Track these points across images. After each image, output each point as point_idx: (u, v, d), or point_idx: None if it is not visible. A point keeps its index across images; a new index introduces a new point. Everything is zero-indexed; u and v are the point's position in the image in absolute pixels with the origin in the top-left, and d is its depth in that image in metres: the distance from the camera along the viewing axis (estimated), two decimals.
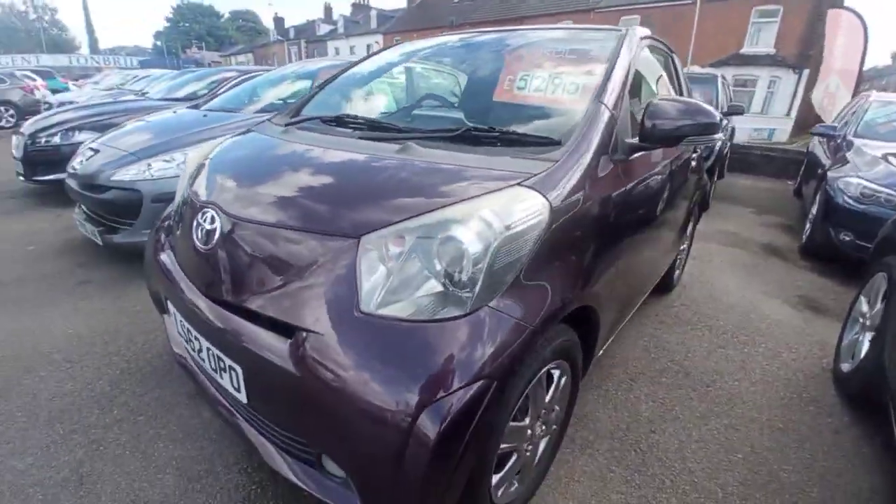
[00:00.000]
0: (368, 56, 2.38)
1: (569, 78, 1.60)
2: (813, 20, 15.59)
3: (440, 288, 0.95)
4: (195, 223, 1.30)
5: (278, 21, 49.72)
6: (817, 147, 5.18)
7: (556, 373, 1.28)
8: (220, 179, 1.39)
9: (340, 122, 1.67)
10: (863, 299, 2.07)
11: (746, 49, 18.29)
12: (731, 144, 7.07)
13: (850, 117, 4.84)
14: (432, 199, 1.05)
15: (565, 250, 1.13)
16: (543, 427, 1.31)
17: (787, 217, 5.05)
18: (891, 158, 3.56)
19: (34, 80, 11.85)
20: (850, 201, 3.28)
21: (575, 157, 1.19)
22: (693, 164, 2.25)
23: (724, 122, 3.97)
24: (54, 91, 12.57)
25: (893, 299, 1.72)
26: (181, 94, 5.86)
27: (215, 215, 1.25)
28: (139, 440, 1.56)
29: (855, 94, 8.18)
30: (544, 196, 1.06)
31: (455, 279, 0.94)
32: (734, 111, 5.85)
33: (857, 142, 4.05)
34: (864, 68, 8.98)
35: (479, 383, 0.89)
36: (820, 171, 4.20)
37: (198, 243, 1.26)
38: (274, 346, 1.05)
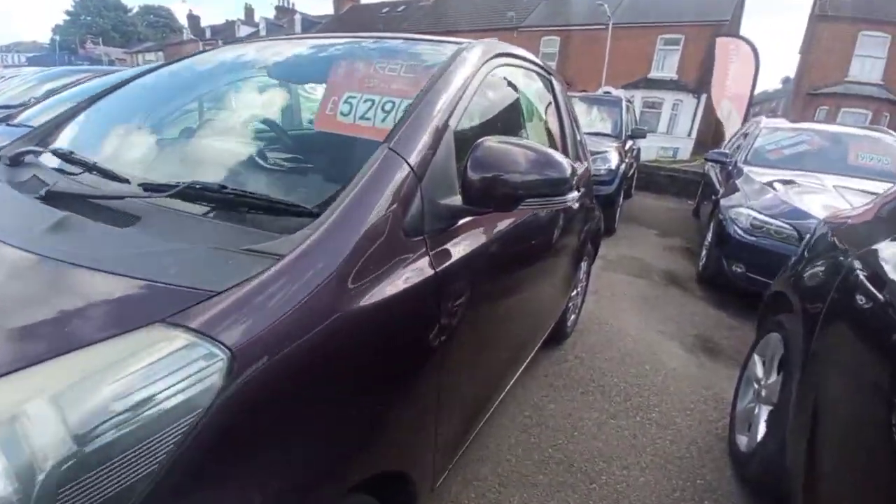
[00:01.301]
0: (175, 60, 1.80)
1: (387, 105, 1.17)
2: (711, 49, 17.05)
3: None
4: None
5: (193, 19, 46.26)
6: (711, 171, 5.30)
7: None
8: None
9: (72, 160, 1.11)
10: (756, 359, 1.84)
11: (654, 73, 19.61)
12: (637, 165, 7.24)
13: (742, 143, 4.98)
14: None
15: (287, 422, 0.65)
16: None
17: (688, 239, 5.09)
18: (776, 185, 3.59)
19: None
20: (741, 233, 3.20)
21: (327, 245, 0.73)
22: (574, 206, 1.91)
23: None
24: None
25: (793, 372, 1.46)
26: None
27: None
28: None
29: (745, 118, 8.77)
30: (215, 341, 0.56)
31: None
32: (637, 134, 5.92)
33: (747, 169, 4.09)
34: (755, 92, 9.71)
35: None
36: (714, 196, 4.22)
37: None
38: None
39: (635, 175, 7.23)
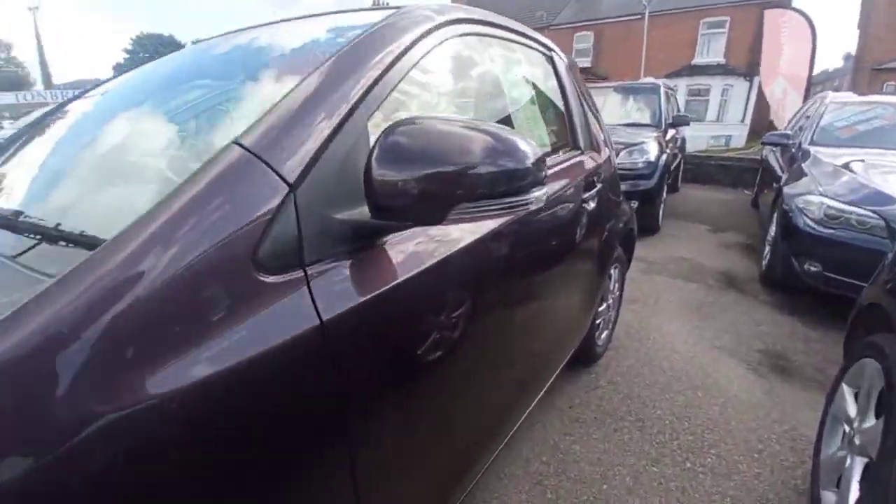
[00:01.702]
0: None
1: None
2: (759, 29, 15.83)
3: None
4: None
5: None
6: (770, 156, 4.69)
7: None
8: None
9: None
10: (846, 391, 1.39)
11: (698, 59, 18.43)
12: (682, 155, 6.63)
13: (805, 122, 4.37)
14: None
15: None
16: None
17: (747, 234, 4.49)
18: (853, 166, 3.03)
19: None
20: (813, 224, 2.68)
21: (89, 296, 0.45)
22: (590, 205, 1.56)
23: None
24: None
25: None
26: None
27: None
28: None
29: (806, 97, 7.86)
30: None
31: None
32: (680, 122, 5.38)
33: (814, 150, 3.52)
34: (814, 72, 8.73)
35: None
36: (776, 184, 3.66)
37: None
38: None
39: (681, 166, 6.61)
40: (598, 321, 2.06)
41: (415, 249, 0.77)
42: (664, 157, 4.44)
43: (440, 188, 0.62)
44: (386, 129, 0.65)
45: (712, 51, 18.24)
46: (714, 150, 11.57)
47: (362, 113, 0.73)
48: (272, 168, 0.60)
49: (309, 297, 0.61)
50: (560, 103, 1.63)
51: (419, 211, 0.65)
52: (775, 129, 7.27)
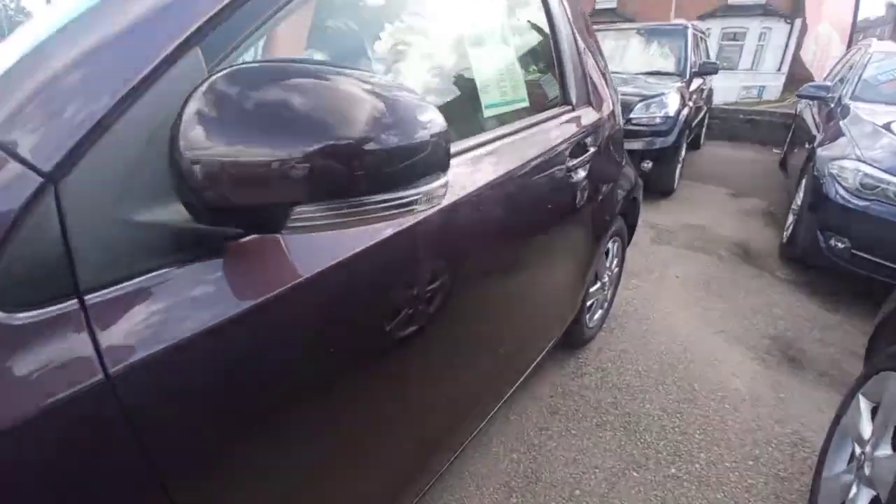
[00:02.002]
0: None
1: None
2: None
3: None
4: None
5: None
6: (806, 111, 4.23)
7: None
8: None
9: None
10: (862, 404, 1.19)
11: None
12: (708, 108, 6.10)
13: (847, 74, 3.87)
14: None
15: None
16: None
17: (770, 199, 4.15)
18: (895, 127, 2.65)
19: None
20: (846, 194, 2.37)
21: None
22: (578, 174, 1.30)
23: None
24: None
25: None
26: None
27: None
28: None
29: (849, 46, 7.09)
30: None
31: None
32: (707, 70, 4.86)
33: (854, 106, 3.11)
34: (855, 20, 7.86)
35: None
36: (808, 144, 3.29)
37: None
38: None
39: (705, 121, 6.11)
40: (589, 302, 1.86)
41: (268, 264, 0.55)
42: (686, 111, 4.03)
43: (275, 177, 0.40)
44: (205, 82, 0.42)
45: None
46: (744, 103, 10.78)
47: (195, 61, 0.49)
48: (5, 149, 0.38)
49: (88, 339, 0.41)
50: (549, 46, 1.33)
51: (249, 212, 0.43)
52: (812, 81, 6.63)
